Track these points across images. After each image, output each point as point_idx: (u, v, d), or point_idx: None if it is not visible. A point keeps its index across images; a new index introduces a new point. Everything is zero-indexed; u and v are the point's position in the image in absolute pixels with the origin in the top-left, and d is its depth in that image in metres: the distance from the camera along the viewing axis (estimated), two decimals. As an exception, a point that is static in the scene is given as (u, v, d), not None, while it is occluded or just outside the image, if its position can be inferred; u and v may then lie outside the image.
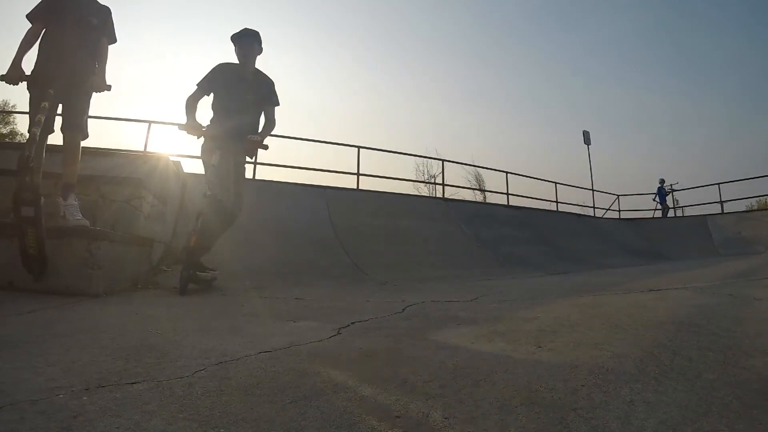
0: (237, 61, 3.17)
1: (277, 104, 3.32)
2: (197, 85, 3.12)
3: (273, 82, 3.31)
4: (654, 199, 14.24)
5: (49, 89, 2.61)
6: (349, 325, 1.82)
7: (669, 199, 14.26)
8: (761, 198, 17.63)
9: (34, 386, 0.97)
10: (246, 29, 3.16)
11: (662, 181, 14.38)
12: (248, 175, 7.44)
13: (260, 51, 3.24)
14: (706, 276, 3.82)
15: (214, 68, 3.16)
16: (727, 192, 11.96)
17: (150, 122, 7.45)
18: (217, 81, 3.13)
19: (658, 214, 14.07)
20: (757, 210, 14.06)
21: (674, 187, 14.34)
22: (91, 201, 3.14)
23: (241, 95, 3.13)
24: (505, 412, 0.86)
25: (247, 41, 3.14)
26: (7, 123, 24.59)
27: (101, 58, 2.95)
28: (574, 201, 14.30)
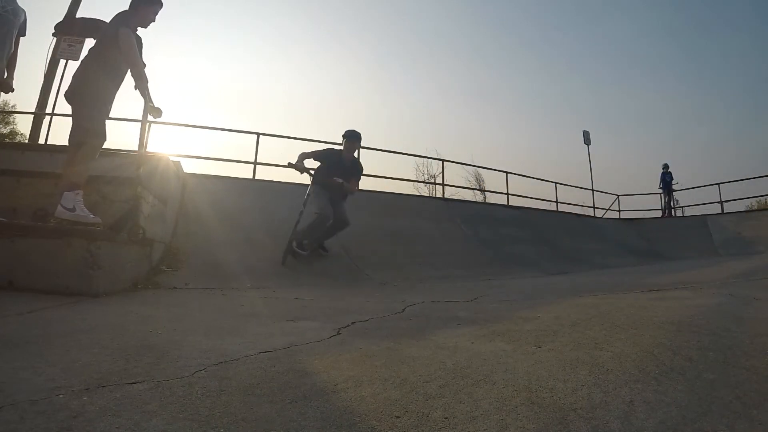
0: (342, 148, 4.79)
1: (359, 178, 5.00)
2: (313, 152, 4.77)
3: (362, 167, 5.04)
4: (659, 186, 14.01)
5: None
6: (349, 325, 1.82)
7: (671, 199, 14.04)
8: (761, 198, 17.61)
9: (34, 386, 0.97)
10: (355, 132, 4.83)
11: (666, 166, 14.01)
12: (248, 175, 7.47)
13: (359, 147, 5.26)
14: (706, 276, 3.82)
15: (325, 150, 4.87)
16: (727, 192, 11.96)
17: (150, 122, 7.44)
18: (326, 157, 4.69)
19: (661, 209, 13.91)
20: (757, 210, 14.05)
21: (674, 186, 14.23)
22: (91, 201, 3.14)
23: (340, 170, 4.66)
24: (505, 412, 0.86)
25: (353, 140, 4.80)
26: (8, 123, 24.55)
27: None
28: (574, 201, 14.25)
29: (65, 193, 2.76)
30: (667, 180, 13.99)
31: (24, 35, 3.22)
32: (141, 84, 3.14)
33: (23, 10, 3.16)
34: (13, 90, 3.19)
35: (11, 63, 3.18)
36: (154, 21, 3.26)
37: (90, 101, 2.94)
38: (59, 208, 2.73)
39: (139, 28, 3.22)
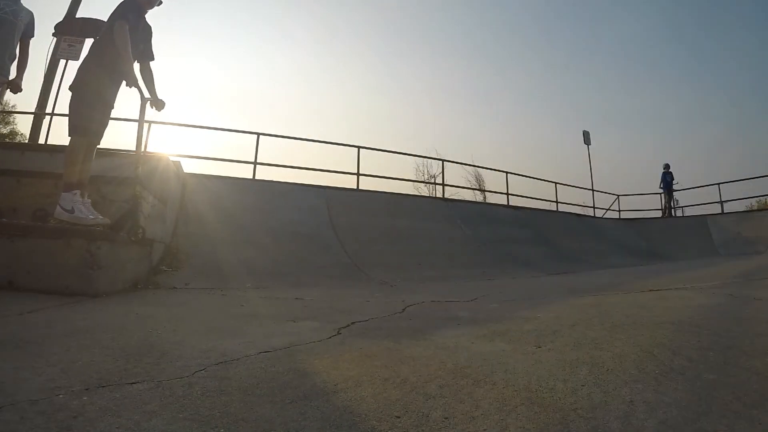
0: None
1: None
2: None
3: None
4: (660, 186, 14.00)
5: None
6: (349, 325, 1.82)
7: (672, 199, 14.02)
8: (761, 198, 17.60)
9: (34, 386, 0.97)
10: None
11: (666, 166, 14.02)
12: (248, 175, 7.46)
13: None
14: (706, 276, 3.82)
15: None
16: (727, 192, 11.96)
17: (150, 122, 7.44)
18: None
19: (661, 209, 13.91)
20: (757, 210, 14.04)
21: (675, 187, 14.22)
22: (91, 202, 3.14)
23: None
24: (505, 412, 0.86)
25: None
26: (8, 123, 24.52)
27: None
28: (574, 201, 14.23)
29: (62, 194, 2.77)
30: (667, 180, 13.99)
31: (32, 36, 3.21)
32: (131, 81, 3.02)
33: (29, 12, 3.14)
34: (21, 90, 3.19)
35: (21, 65, 3.18)
36: (161, 4, 3.18)
37: (85, 98, 2.89)
38: (57, 208, 2.73)
39: (146, 16, 3.17)
